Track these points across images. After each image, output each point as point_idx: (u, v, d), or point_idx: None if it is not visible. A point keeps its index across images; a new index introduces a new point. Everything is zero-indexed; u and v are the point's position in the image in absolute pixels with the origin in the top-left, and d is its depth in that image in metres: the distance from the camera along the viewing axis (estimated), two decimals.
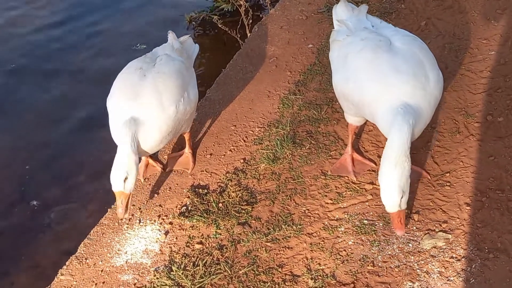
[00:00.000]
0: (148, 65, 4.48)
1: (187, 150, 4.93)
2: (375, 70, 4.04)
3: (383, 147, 4.75)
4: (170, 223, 4.45)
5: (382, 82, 3.97)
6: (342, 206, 4.40)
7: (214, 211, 4.45)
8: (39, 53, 7.68)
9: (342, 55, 4.33)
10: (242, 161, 4.88)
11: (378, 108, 3.98)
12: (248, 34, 6.72)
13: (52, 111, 6.70)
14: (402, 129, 3.78)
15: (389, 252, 4.02)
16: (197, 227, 4.37)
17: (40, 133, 6.41)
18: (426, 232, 4.11)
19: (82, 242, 4.44)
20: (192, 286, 3.95)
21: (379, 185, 4.40)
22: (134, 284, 4.06)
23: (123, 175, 4.07)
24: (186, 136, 4.87)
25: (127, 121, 4.17)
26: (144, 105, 4.23)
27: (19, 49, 7.76)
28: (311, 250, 4.11)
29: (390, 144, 3.80)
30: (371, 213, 4.31)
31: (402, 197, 3.76)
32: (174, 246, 4.28)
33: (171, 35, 4.92)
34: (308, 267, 4.01)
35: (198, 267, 4.07)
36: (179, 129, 4.52)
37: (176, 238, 4.33)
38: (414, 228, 4.16)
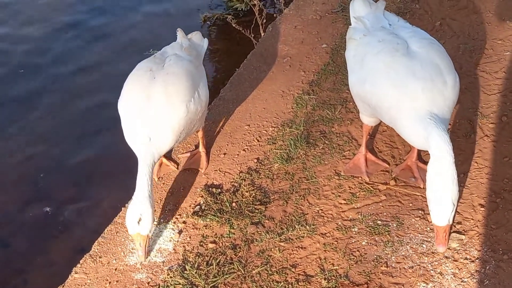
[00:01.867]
0: (158, 65, 4.49)
1: (200, 149, 4.94)
2: (393, 74, 4.01)
3: (397, 148, 4.78)
4: (184, 222, 4.46)
5: (400, 88, 3.94)
6: (355, 207, 4.39)
7: (228, 211, 4.46)
8: (52, 54, 7.70)
9: (358, 55, 4.31)
10: (255, 160, 4.88)
11: (399, 116, 3.95)
12: (262, 34, 6.72)
13: (66, 111, 6.73)
14: (444, 140, 3.72)
15: (403, 253, 4.01)
16: (210, 226, 4.38)
17: (54, 133, 6.44)
18: None
19: (96, 241, 4.45)
20: (206, 285, 3.96)
21: (393, 186, 4.43)
22: (148, 283, 4.07)
23: (137, 216, 4.05)
24: (200, 134, 4.87)
25: (146, 145, 4.19)
26: (155, 107, 4.24)
27: (33, 49, 7.79)
28: (325, 250, 4.11)
29: (440, 158, 3.70)
30: (384, 213, 4.30)
31: (453, 210, 3.70)
32: (187, 245, 4.29)
33: (180, 33, 4.93)
34: (322, 267, 4.01)
35: (211, 267, 4.08)
36: (191, 128, 4.53)
37: (190, 237, 4.35)
38: (428, 229, 4.15)
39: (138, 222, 4.04)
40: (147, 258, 4.21)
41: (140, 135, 4.22)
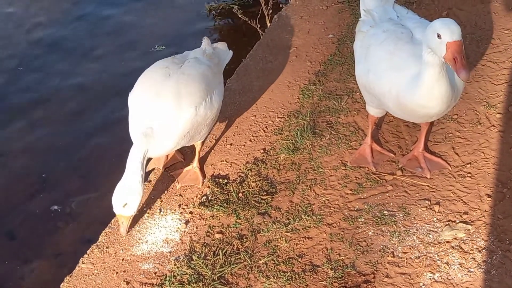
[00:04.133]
0: (175, 65, 4.48)
1: (195, 165, 4.77)
2: (395, 60, 4.04)
3: (403, 138, 4.77)
4: (191, 212, 4.47)
5: (401, 69, 3.98)
6: (362, 197, 4.39)
7: (234, 201, 4.47)
8: (57, 48, 7.70)
9: (364, 46, 4.35)
10: (262, 151, 4.88)
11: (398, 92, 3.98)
12: (268, 24, 6.71)
13: (73, 104, 6.74)
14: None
15: (409, 243, 4.01)
16: (217, 216, 4.39)
17: (60, 125, 6.45)
18: (447, 223, 4.10)
19: (103, 231, 4.47)
20: (212, 275, 3.97)
21: (399, 176, 4.44)
22: (155, 273, 4.09)
23: (123, 202, 4.16)
24: (197, 148, 4.75)
25: (140, 137, 4.18)
26: (163, 106, 4.23)
27: (42, 46, 7.79)
28: (331, 241, 4.12)
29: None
30: (391, 204, 4.30)
31: None
32: (194, 235, 4.30)
33: (205, 41, 4.89)
34: (328, 257, 4.02)
35: (218, 257, 4.09)
36: (197, 133, 4.46)
37: (197, 228, 4.36)
38: (435, 219, 4.15)
39: (124, 206, 4.16)
40: (127, 233, 4.36)
41: (143, 129, 4.20)
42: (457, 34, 3.61)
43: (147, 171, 4.70)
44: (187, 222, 4.40)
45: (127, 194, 4.15)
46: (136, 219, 4.48)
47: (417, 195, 4.34)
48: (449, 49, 3.61)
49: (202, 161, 4.85)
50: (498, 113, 4.85)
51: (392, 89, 4.02)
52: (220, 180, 4.68)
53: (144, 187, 4.29)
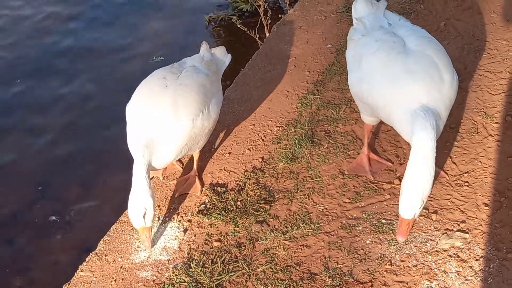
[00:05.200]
0: (173, 75, 4.44)
1: (193, 173, 4.79)
2: (388, 71, 4.04)
3: (401, 147, 4.79)
4: (189, 220, 4.48)
5: (395, 84, 3.98)
6: (360, 205, 4.41)
7: (233, 209, 4.48)
8: (56, 60, 7.74)
9: (357, 55, 4.35)
10: (260, 160, 4.90)
11: (394, 111, 3.98)
12: (267, 34, 6.75)
13: (71, 113, 6.78)
14: (426, 129, 3.74)
15: (407, 251, 4.02)
16: (215, 225, 4.40)
17: (59, 132, 6.48)
18: (444, 231, 4.11)
19: (102, 239, 4.47)
20: (211, 283, 3.98)
21: (397, 185, 4.44)
22: (153, 281, 4.10)
23: (142, 211, 4.07)
24: (195, 156, 4.75)
25: (142, 148, 4.14)
26: (160, 118, 4.21)
27: (38, 55, 7.83)
28: (329, 249, 4.13)
29: (418, 148, 3.73)
30: (389, 212, 4.32)
31: (421, 206, 3.75)
32: (192, 243, 4.31)
33: (204, 46, 4.89)
34: (326, 265, 4.03)
35: (216, 265, 4.10)
36: (195, 144, 4.46)
37: (195, 236, 4.37)
38: (432, 227, 4.16)
39: (144, 216, 4.07)
40: (153, 246, 4.29)
41: (141, 141, 4.17)
42: (409, 215, 3.75)
43: None
44: (185, 230, 4.41)
45: (142, 203, 4.06)
46: (134, 227, 4.49)
47: None
48: (399, 217, 3.81)
49: (200, 169, 4.87)
50: (496, 122, 4.87)
51: (387, 106, 4.04)
52: (219, 188, 4.69)
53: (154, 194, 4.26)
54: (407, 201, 3.73)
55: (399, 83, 3.97)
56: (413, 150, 3.77)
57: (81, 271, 4.27)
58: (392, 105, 3.98)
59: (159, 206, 4.63)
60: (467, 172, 4.50)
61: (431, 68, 4.00)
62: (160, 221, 4.51)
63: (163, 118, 4.20)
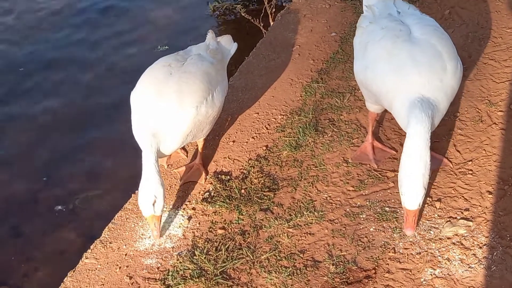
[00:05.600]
0: (178, 63, 4.46)
1: (197, 161, 4.80)
2: (392, 60, 4.05)
3: (405, 135, 4.77)
4: (193, 208, 4.50)
5: (398, 73, 3.98)
6: (363, 193, 4.42)
7: (237, 197, 4.49)
8: (60, 48, 7.76)
9: (363, 42, 4.36)
10: (264, 148, 4.91)
11: (395, 100, 3.99)
12: (271, 23, 6.74)
13: (77, 100, 6.79)
14: (422, 122, 3.78)
15: (410, 239, 4.03)
16: (219, 212, 4.42)
17: (63, 121, 6.49)
18: (448, 219, 4.12)
19: (107, 227, 4.50)
20: (215, 271, 4.00)
21: None
22: (158, 268, 4.12)
23: (152, 199, 4.08)
24: (200, 144, 4.77)
25: (149, 136, 4.16)
26: (165, 105, 4.22)
27: (42, 45, 7.85)
28: (333, 237, 4.14)
29: (411, 138, 3.79)
30: (392, 200, 4.32)
31: (424, 194, 3.77)
32: (197, 231, 4.33)
33: (209, 35, 4.90)
34: (330, 253, 4.04)
35: (220, 252, 4.12)
36: (200, 131, 4.48)
37: (199, 224, 4.38)
38: (436, 215, 4.17)
39: (153, 204, 4.08)
40: (161, 236, 4.29)
41: (146, 129, 4.20)
42: (414, 206, 3.78)
43: None
44: (189, 218, 4.43)
45: (152, 191, 4.08)
46: (139, 215, 4.52)
47: None
48: (404, 209, 3.85)
49: (205, 157, 4.88)
50: (500, 111, 4.87)
51: (389, 94, 4.04)
52: (223, 176, 4.71)
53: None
54: (410, 192, 3.75)
55: (401, 71, 3.97)
56: (408, 141, 3.81)
57: (86, 258, 4.29)
58: (394, 93, 3.99)
59: None
60: (471, 160, 4.50)
61: (435, 57, 4.00)
62: (164, 209, 4.51)
63: (168, 106, 4.22)
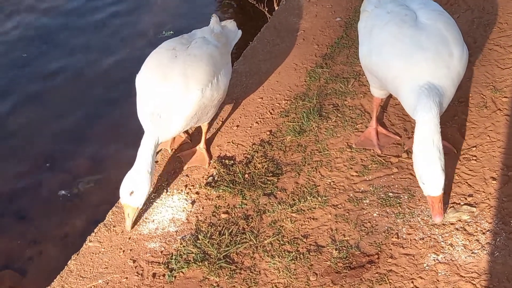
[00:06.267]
0: (182, 46, 4.47)
1: (201, 146, 4.80)
2: (399, 45, 4.03)
3: (409, 121, 4.78)
4: (197, 193, 4.51)
5: (405, 59, 3.97)
6: (367, 179, 4.41)
7: (240, 182, 4.50)
8: (66, 33, 7.75)
9: (368, 27, 4.34)
10: (268, 133, 4.91)
11: (402, 86, 3.98)
12: (276, 8, 6.72)
13: (80, 86, 6.79)
14: (430, 110, 3.77)
15: (414, 225, 4.03)
16: (223, 197, 4.42)
17: (67, 104, 6.50)
18: (451, 205, 4.11)
19: (110, 210, 4.51)
20: (218, 255, 4.01)
21: (405, 158, 4.45)
22: (161, 252, 4.13)
23: (129, 190, 4.12)
24: (204, 129, 4.77)
25: (154, 121, 4.17)
26: (170, 88, 4.23)
27: (49, 28, 7.84)
28: (336, 222, 4.14)
29: (422, 126, 3.78)
30: (396, 186, 4.32)
31: (444, 178, 3.76)
32: (200, 215, 4.33)
33: (213, 19, 4.90)
34: (333, 238, 4.05)
35: (224, 236, 4.13)
36: (205, 114, 4.49)
37: (203, 208, 4.39)
38: None
39: (130, 194, 4.11)
40: (132, 228, 4.28)
41: (151, 111, 4.22)
42: (438, 191, 3.76)
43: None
44: (193, 202, 4.44)
45: (135, 183, 4.13)
46: None
47: None
48: (428, 198, 3.83)
49: (208, 142, 4.89)
50: (505, 97, 4.85)
51: (395, 80, 4.03)
52: (227, 161, 4.71)
53: (153, 178, 4.28)
54: (431, 178, 3.74)
55: (408, 57, 3.96)
56: (419, 128, 3.80)
57: (90, 241, 4.31)
58: (401, 79, 3.98)
59: (167, 179, 4.65)
60: (475, 146, 4.50)
61: (441, 43, 3.99)
62: (168, 193, 4.53)
63: (173, 88, 4.22)
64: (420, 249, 3.89)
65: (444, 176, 3.75)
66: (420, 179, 3.81)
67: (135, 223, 4.30)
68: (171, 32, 7.42)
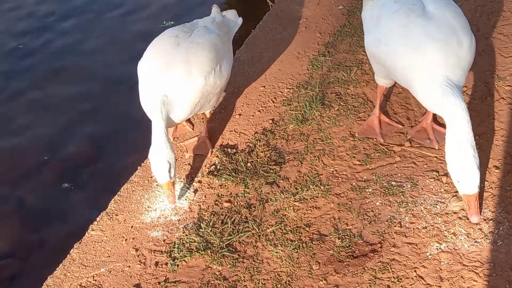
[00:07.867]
0: (185, 34, 4.47)
1: (204, 134, 4.80)
2: (409, 35, 4.00)
3: (412, 109, 4.77)
4: (199, 181, 4.50)
5: (415, 49, 3.94)
6: (370, 168, 4.41)
7: (243, 171, 4.49)
8: (67, 24, 7.74)
9: (374, 16, 4.31)
10: (270, 121, 4.90)
11: (415, 77, 3.94)
12: None
13: (82, 74, 6.79)
14: (462, 108, 3.73)
15: (417, 214, 4.03)
16: (225, 186, 4.42)
17: (70, 93, 6.49)
18: (454, 194, 4.10)
19: (113, 199, 4.51)
20: (221, 243, 4.00)
21: (407, 147, 4.44)
22: (164, 241, 4.13)
23: (167, 166, 4.07)
24: (206, 117, 4.77)
25: (158, 104, 4.14)
26: (173, 75, 4.22)
27: (46, 18, 7.82)
28: (339, 210, 4.14)
29: (457, 125, 3.72)
30: (399, 174, 4.31)
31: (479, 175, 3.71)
32: (203, 204, 4.33)
33: (214, 8, 4.89)
34: (336, 226, 4.04)
35: (226, 225, 4.12)
36: (207, 102, 4.48)
37: (205, 197, 4.39)
38: (442, 190, 4.16)
39: (169, 170, 4.07)
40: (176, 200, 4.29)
41: (155, 97, 4.20)
42: (474, 189, 3.67)
43: None
44: (195, 191, 4.43)
45: (166, 157, 4.06)
46: (145, 188, 4.53)
47: (425, 166, 4.35)
48: (465, 197, 3.73)
49: (211, 131, 4.88)
50: (508, 85, 4.84)
51: (405, 70, 4.00)
52: (229, 150, 4.70)
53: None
54: (467, 177, 3.67)
55: (419, 47, 3.92)
56: (453, 128, 3.74)
57: (92, 230, 4.31)
58: (411, 69, 3.95)
59: None
60: (478, 135, 4.48)
61: (451, 32, 3.96)
62: None
63: (176, 76, 4.21)
64: (423, 238, 3.88)
65: (479, 173, 3.68)
66: (455, 178, 3.73)
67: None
68: (172, 22, 7.40)
